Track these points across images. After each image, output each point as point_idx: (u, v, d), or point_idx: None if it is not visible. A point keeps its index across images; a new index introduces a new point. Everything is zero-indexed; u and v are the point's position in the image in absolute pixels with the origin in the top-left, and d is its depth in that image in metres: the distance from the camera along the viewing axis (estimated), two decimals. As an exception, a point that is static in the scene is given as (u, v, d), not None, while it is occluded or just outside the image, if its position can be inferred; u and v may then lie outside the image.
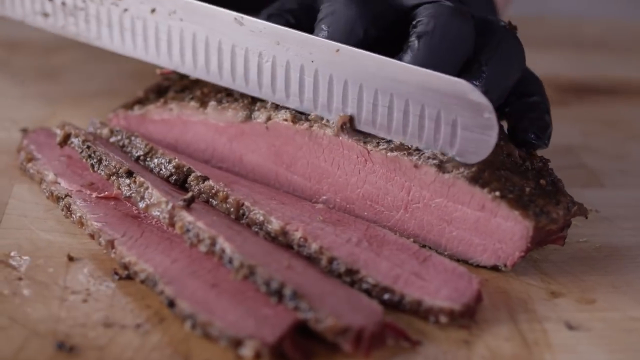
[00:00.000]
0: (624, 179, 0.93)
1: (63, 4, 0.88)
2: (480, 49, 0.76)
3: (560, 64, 1.28)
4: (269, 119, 0.79)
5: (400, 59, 0.74)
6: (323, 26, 0.77)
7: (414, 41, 0.74)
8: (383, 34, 0.77)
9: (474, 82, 0.75)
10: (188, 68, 0.83)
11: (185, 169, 0.78)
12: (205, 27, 0.80)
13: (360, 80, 0.74)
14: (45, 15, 0.90)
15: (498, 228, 0.72)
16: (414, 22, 0.76)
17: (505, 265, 0.73)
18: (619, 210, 0.85)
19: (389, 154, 0.74)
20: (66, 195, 0.79)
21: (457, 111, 0.71)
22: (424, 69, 0.72)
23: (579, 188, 0.79)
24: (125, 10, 0.84)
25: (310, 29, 0.80)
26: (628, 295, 0.71)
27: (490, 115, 0.69)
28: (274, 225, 0.72)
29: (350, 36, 0.76)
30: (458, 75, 0.74)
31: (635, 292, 0.72)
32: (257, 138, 0.81)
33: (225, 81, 0.81)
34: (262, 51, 0.78)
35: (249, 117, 0.80)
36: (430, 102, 0.72)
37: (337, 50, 0.74)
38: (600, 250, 0.78)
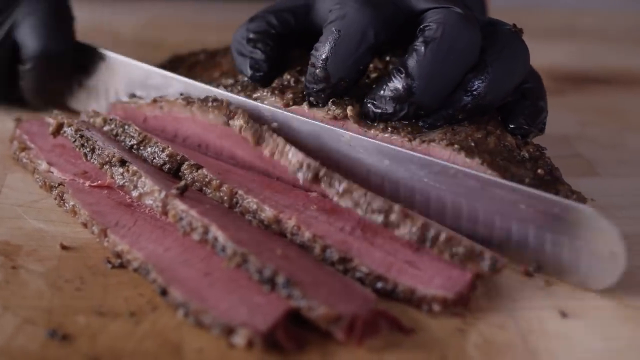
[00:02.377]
0: (620, 168, 0.93)
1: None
2: (486, 50, 0.76)
3: (557, 54, 1.29)
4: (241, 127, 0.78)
5: (404, 63, 0.74)
6: (333, 29, 0.76)
7: (420, 46, 0.74)
8: (392, 37, 0.77)
9: (479, 78, 0.74)
10: None
11: (178, 158, 0.78)
12: None
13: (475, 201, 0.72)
14: None
15: None
16: (421, 26, 0.75)
17: None
18: (615, 199, 0.85)
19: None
20: (59, 184, 0.78)
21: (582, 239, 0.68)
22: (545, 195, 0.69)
23: (574, 177, 0.79)
24: None
25: (301, 28, 0.79)
26: (621, 283, 0.71)
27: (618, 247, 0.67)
28: (267, 213, 0.72)
29: (362, 41, 0.75)
30: (464, 75, 0.75)
31: (629, 280, 0.71)
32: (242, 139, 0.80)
33: None
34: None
35: (226, 124, 0.80)
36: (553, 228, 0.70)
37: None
38: (594, 239, 0.78)
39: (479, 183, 0.71)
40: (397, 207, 0.69)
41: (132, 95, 0.90)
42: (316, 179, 0.72)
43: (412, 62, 0.74)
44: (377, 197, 0.70)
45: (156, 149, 0.79)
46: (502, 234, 0.72)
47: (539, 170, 0.74)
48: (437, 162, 0.73)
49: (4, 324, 0.63)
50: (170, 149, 0.78)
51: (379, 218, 0.70)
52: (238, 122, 0.77)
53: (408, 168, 0.74)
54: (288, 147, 0.75)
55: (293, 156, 0.74)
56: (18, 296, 0.66)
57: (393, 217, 0.69)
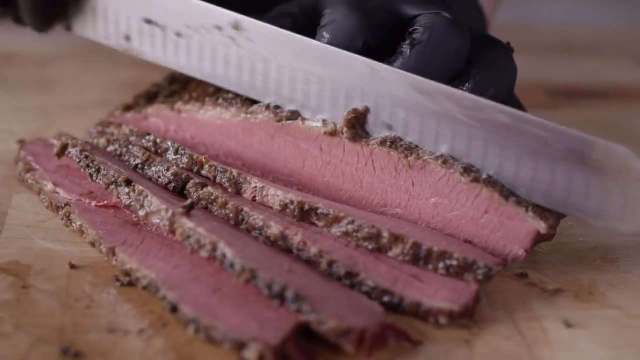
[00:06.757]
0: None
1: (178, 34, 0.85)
2: (473, 62, 0.76)
3: (551, 68, 1.30)
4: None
5: (389, 64, 0.75)
6: (324, 33, 0.77)
7: (405, 48, 0.75)
8: (383, 43, 0.77)
9: (459, 87, 0.75)
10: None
11: (183, 176, 0.79)
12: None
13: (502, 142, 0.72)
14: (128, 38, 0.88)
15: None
16: (410, 30, 0.76)
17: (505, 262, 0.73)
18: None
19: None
20: (65, 204, 0.79)
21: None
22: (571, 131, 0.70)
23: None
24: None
25: (312, 33, 0.80)
26: (625, 292, 0.72)
27: None
28: (273, 229, 0.73)
29: (350, 47, 0.76)
30: (447, 81, 0.75)
31: (631, 289, 0.73)
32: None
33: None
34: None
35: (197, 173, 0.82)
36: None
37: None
38: (595, 249, 0.79)
39: (511, 119, 0.70)
40: (385, 231, 0.71)
41: (148, 21, 0.85)
42: (302, 212, 0.74)
43: (397, 64, 0.75)
44: (364, 223, 0.72)
45: (161, 168, 0.80)
46: (528, 174, 0.71)
47: None
48: (468, 96, 0.72)
49: (17, 343, 0.63)
50: (174, 167, 0.79)
51: (370, 244, 0.71)
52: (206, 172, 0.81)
53: (440, 103, 0.73)
54: (266, 187, 0.77)
55: (273, 196, 0.76)
56: (29, 315, 0.66)
57: (383, 240, 0.71)
